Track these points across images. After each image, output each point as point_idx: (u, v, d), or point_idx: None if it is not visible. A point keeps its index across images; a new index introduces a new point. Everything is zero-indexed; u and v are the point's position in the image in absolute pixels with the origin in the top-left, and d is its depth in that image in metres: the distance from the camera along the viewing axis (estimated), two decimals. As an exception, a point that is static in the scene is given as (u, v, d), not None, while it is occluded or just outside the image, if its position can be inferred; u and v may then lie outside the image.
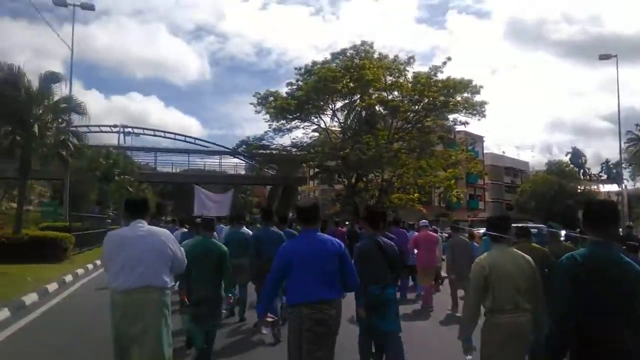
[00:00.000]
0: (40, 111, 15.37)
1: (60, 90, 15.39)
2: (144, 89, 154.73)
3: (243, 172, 51.90)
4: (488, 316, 3.58)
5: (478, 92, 35.26)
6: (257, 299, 5.64)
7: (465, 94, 35.05)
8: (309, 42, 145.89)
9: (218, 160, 49.23)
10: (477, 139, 59.42)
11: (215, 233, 5.93)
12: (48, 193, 73.68)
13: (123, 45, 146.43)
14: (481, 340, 3.58)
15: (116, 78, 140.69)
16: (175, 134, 46.50)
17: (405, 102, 34.57)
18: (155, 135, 46.62)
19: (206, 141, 48.81)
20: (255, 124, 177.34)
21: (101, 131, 44.49)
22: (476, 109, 35.21)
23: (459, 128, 39.27)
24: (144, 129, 46.79)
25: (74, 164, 36.55)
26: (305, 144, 40.62)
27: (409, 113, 35.62)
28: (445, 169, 37.52)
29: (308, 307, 3.64)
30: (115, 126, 44.51)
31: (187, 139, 46.33)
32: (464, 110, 35.44)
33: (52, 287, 10.86)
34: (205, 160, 50.53)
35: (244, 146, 40.96)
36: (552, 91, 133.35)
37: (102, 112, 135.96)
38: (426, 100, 34.21)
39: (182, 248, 3.93)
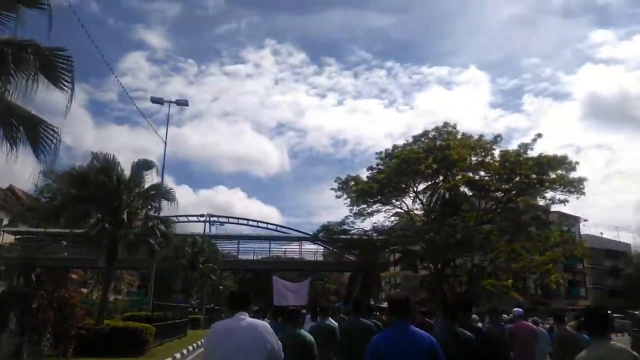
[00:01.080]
0: (131, 199, 15.57)
1: (151, 178, 15.63)
2: (229, 182, 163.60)
3: (322, 259, 50.97)
4: None
5: (574, 169, 32.67)
6: None
7: (560, 171, 32.58)
8: (384, 132, 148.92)
9: (298, 247, 48.94)
10: (573, 220, 54.86)
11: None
12: (136, 282, 76.72)
13: (212, 143, 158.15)
14: None
15: (205, 173, 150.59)
16: (257, 221, 47.03)
17: (494, 180, 32.50)
18: (238, 224, 47.40)
19: (287, 227, 48.83)
20: (332, 212, 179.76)
21: (188, 220, 45.98)
22: (574, 186, 32.40)
23: (554, 208, 36.07)
24: (228, 217, 47.85)
25: (161, 252, 38.04)
26: (386, 228, 39.20)
27: (498, 192, 33.43)
28: (542, 252, 34.18)
29: None
30: (201, 215, 45.73)
31: (269, 226, 46.62)
32: (560, 188, 32.74)
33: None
34: (285, 247, 50.44)
35: (324, 232, 40.18)
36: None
37: (191, 204, 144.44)
38: (517, 178, 32.04)
39: (279, 341, 3.94)
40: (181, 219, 44.27)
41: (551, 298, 49.89)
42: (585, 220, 36.24)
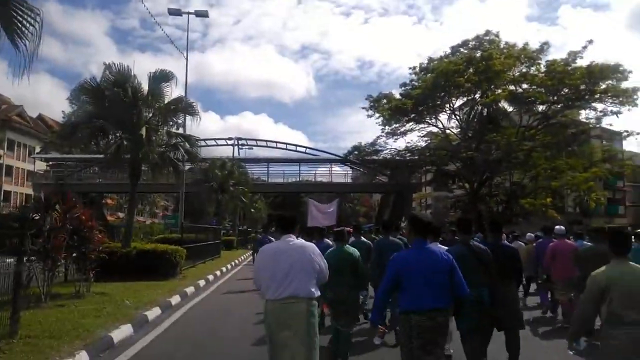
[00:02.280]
0: (150, 114, 14.33)
1: (170, 92, 14.23)
2: (255, 107, 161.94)
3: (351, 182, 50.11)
4: (606, 328, 3.57)
5: (626, 79, 29.81)
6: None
7: (611, 82, 29.75)
8: (413, 51, 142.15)
9: (328, 170, 47.83)
10: (616, 135, 51.71)
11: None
12: (171, 206, 78.27)
13: (236, 69, 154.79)
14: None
15: (230, 99, 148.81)
16: (286, 143, 45.78)
17: (540, 93, 29.96)
18: (267, 147, 46.44)
19: (316, 149, 47.77)
20: (360, 136, 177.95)
21: (217, 144, 45.22)
22: (627, 97, 29.67)
23: (606, 121, 33.33)
24: (256, 140, 46.81)
25: (190, 175, 37.66)
26: (420, 148, 37.60)
27: (543, 106, 31.03)
28: (586, 169, 32.15)
29: (418, 315, 3.85)
30: (229, 139, 44.84)
31: (298, 149, 45.33)
32: (611, 100, 30.08)
33: (153, 313, 9.17)
34: (315, 169, 49.56)
35: (355, 152, 38.80)
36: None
37: (218, 131, 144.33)
38: (565, 90, 29.46)
39: (325, 261, 4.10)
40: (209, 142, 43.67)
41: (589, 216, 48.28)
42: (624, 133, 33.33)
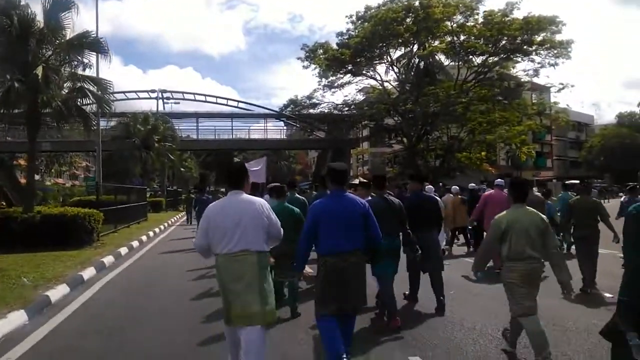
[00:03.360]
0: (47, 50, 11.76)
1: (72, 25, 11.65)
2: (181, 61, 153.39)
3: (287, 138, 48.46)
4: (507, 262, 4.26)
5: (560, 31, 29.87)
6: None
7: (545, 34, 29.68)
8: (344, 4, 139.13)
9: (263, 126, 45.71)
10: (546, 90, 53.19)
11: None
12: (94, 167, 72.90)
13: (158, 18, 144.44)
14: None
15: (153, 52, 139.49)
16: (216, 97, 42.82)
17: (481, 43, 29.34)
18: (195, 100, 42.90)
19: (250, 104, 45.24)
20: (294, 93, 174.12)
21: (138, 97, 41.46)
22: (562, 49, 29.77)
23: (543, 73, 33.44)
24: (183, 93, 43.22)
25: (111, 132, 34.34)
26: (358, 102, 36.44)
27: (482, 57, 30.58)
28: (519, 122, 32.56)
29: (332, 257, 4.09)
30: (153, 91, 41.00)
31: (230, 103, 42.63)
32: (546, 52, 30.08)
33: (58, 292, 7.36)
34: (249, 125, 47.18)
35: (291, 106, 36.97)
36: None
37: (140, 86, 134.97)
38: (504, 41, 29.02)
39: (276, 216, 3.95)
40: (130, 95, 39.90)
41: (518, 169, 50.04)
42: (551, 88, 34.10)
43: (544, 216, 4.31)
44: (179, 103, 43.91)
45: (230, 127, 44.59)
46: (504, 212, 4.29)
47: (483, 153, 34.72)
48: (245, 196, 3.83)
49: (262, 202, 3.86)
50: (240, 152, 64.73)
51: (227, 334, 3.79)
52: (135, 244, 13.77)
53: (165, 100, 41.71)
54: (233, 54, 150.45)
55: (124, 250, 12.15)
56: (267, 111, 42.46)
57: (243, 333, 3.57)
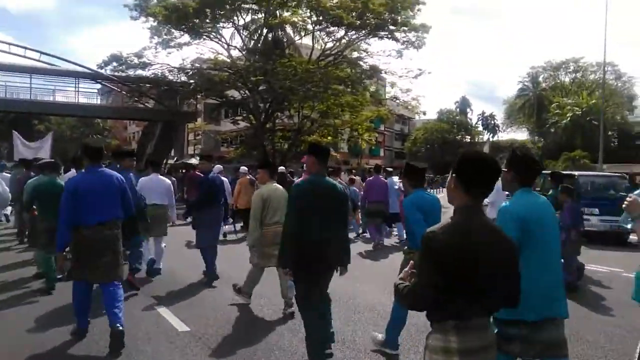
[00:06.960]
0: None
1: None
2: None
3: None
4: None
5: (417, 14, 28.57)
6: None
7: (408, 13, 28.14)
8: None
9: (74, 87, 36.64)
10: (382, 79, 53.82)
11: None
12: None
13: None
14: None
15: None
16: (10, 44, 32.76)
17: (346, 14, 26.35)
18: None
19: (57, 57, 36.03)
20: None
21: None
22: (418, 35, 28.53)
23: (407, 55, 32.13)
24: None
25: None
26: (198, 68, 30.98)
27: (350, 31, 27.87)
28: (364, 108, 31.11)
29: (86, 229, 4.57)
30: None
31: (29, 54, 32.88)
32: (405, 33, 28.48)
33: None
34: (55, 84, 37.39)
35: (113, 63, 29.65)
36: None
37: None
38: (371, 15, 26.55)
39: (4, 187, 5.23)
40: None
41: (357, 156, 50.01)
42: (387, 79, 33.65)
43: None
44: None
45: (29, 86, 34.99)
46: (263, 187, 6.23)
47: (330, 137, 32.52)
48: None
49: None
50: (44, 117, 53.25)
51: None
52: None
53: None
54: (37, 11, 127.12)
55: None
56: (80, 69, 33.95)
57: None
